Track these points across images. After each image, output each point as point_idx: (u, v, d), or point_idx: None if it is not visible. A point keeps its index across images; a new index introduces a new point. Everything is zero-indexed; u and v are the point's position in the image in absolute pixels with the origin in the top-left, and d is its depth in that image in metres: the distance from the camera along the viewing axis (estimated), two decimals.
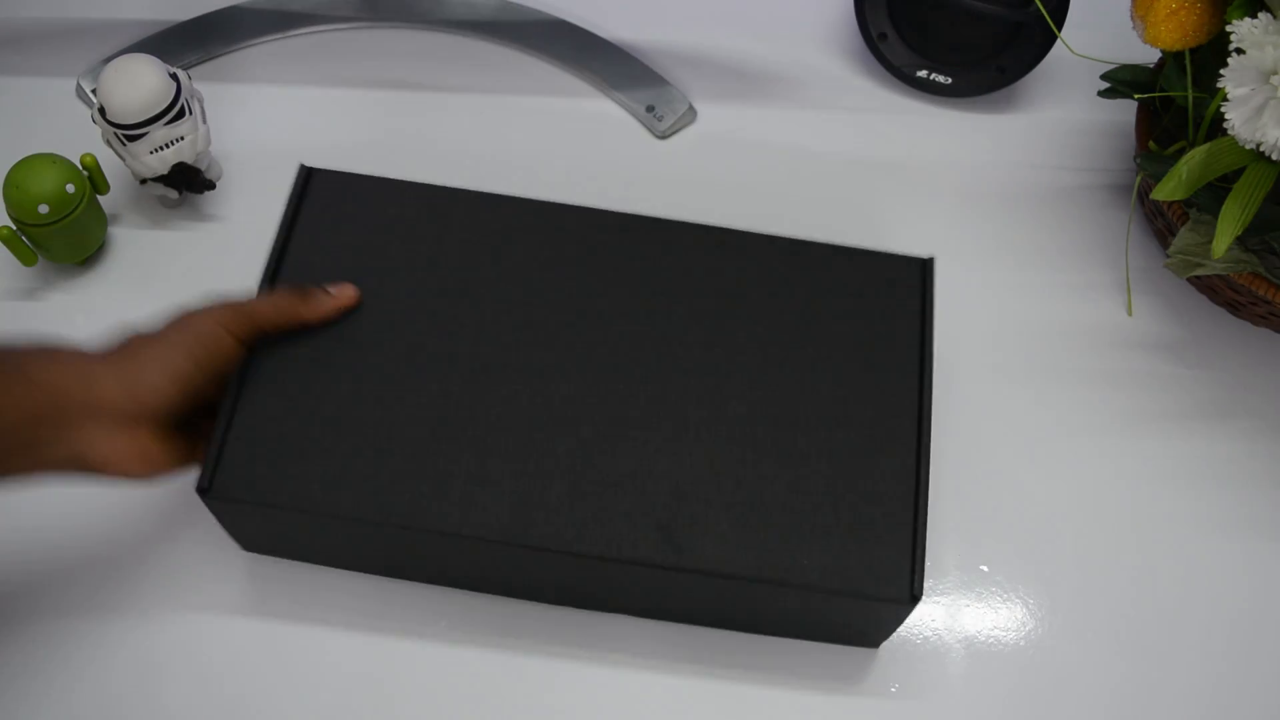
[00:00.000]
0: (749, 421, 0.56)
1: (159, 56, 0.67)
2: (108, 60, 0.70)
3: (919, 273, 0.60)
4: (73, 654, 0.59)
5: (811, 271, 0.60)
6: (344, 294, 0.57)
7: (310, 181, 0.61)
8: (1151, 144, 0.69)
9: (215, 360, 0.53)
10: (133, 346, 0.52)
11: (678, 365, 0.57)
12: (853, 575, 0.52)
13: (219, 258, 0.71)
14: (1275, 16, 0.56)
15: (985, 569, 0.63)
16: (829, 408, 0.56)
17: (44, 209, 0.66)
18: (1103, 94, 0.70)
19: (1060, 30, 0.73)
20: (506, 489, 0.53)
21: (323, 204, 0.61)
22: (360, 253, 0.59)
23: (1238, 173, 0.58)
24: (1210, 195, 0.63)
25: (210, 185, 0.71)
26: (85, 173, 0.69)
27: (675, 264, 0.60)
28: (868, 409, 0.56)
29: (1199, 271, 0.63)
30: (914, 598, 0.53)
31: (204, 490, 0.53)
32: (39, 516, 0.62)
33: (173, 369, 0.51)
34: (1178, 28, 0.61)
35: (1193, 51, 0.64)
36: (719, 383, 0.57)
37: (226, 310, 0.54)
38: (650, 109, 0.79)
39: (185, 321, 0.53)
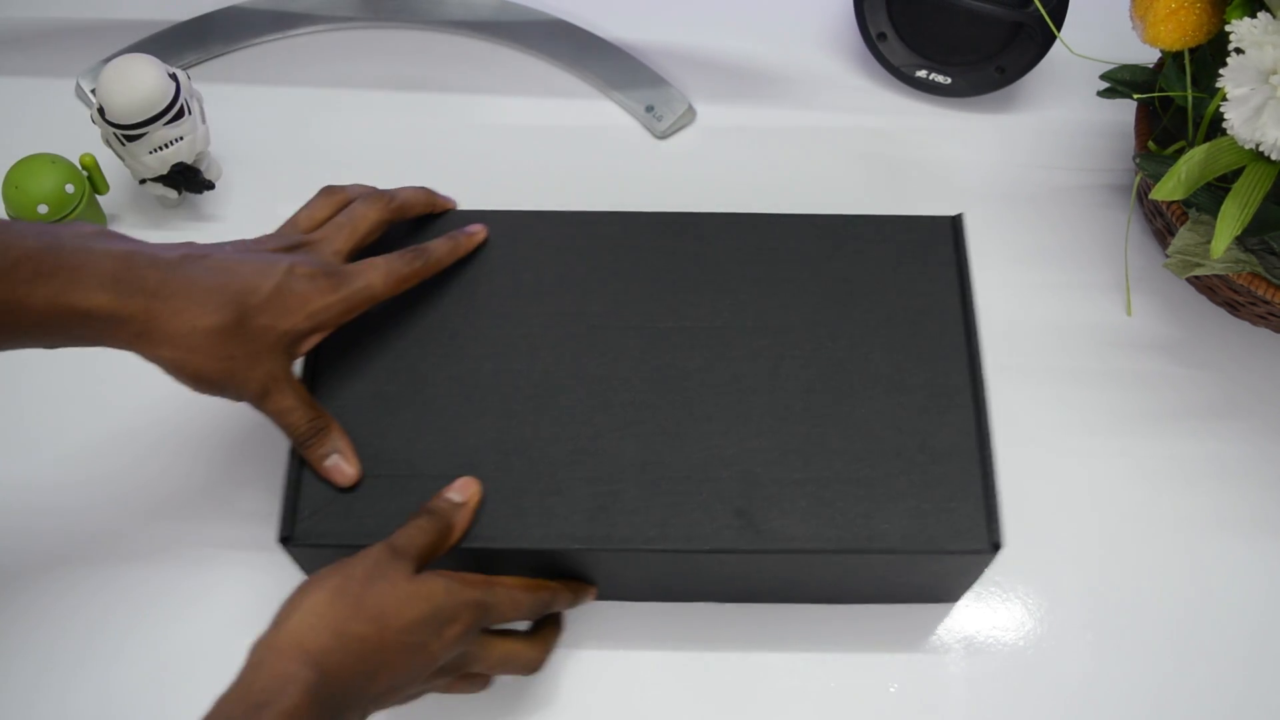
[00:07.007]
0: (808, 397, 0.56)
1: (159, 56, 0.67)
2: (107, 60, 0.70)
3: (950, 230, 0.61)
4: None
5: (844, 243, 0.61)
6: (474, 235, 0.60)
7: None
8: (1151, 144, 0.69)
9: None
10: None
11: (729, 352, 0.58)
12: (932, 534, 0.53)
13: None
14: (1275, 16, 0.56)
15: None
16: (883, 373, 0.57)
17: (43, 209, 0.66)
18: (1102, 94, 0.70)
19: (1060, 30, 0.73)
20: (581, 497, 0.54)
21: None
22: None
23: (1237, 173, 0.58)
24: (1209, 195, 0.63)
25: (210, 185, 0.72)
26: (85, 173, 0.69)
27: (710, 254, 0.60)
28: (921, 369, 0.57)
29: (1198, 271, 0.63)
30: (995, 546, 0.53)
31: (286, 539, 0.53)
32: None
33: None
34: (1177, 28, 0.61)
35: (1192, 51, 0.64)
36: (773, 363, 0.57)
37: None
38: (650, 109, 0.79)
39: None
